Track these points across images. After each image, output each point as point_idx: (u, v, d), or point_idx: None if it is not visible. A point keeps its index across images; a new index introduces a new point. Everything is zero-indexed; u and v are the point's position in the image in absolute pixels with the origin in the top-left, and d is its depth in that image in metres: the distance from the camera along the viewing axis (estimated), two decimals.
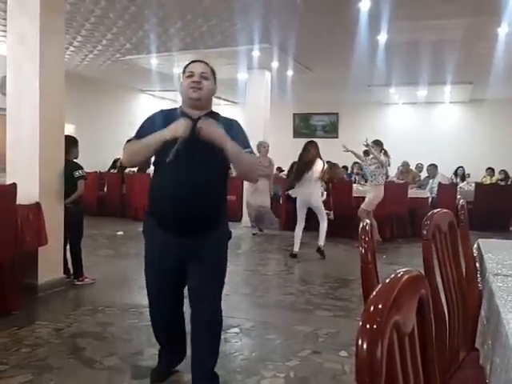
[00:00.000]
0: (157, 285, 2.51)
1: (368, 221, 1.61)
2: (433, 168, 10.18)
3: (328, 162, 6.67)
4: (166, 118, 2.39)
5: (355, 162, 10.99)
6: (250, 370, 2.98)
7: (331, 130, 14.90)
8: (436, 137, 13.29)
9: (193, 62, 2.48)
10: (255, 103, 9.49)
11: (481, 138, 12.83)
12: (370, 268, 1.49)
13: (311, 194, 6.33)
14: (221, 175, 2.45)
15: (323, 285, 5.16)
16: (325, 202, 6.61)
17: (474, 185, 10.06)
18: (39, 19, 4.43)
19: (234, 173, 2.56)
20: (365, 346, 0.70)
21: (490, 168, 11.72)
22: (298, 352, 3.27)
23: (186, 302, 2.59)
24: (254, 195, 8.04)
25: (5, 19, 5.34)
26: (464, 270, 2.05)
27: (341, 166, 10.10)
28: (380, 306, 0.75)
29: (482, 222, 7.69)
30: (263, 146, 7.92)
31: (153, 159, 2.47)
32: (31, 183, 4.42)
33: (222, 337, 2.67)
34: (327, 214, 6.81)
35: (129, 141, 2.44)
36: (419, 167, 11.47)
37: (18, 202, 4.07)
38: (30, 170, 4.46)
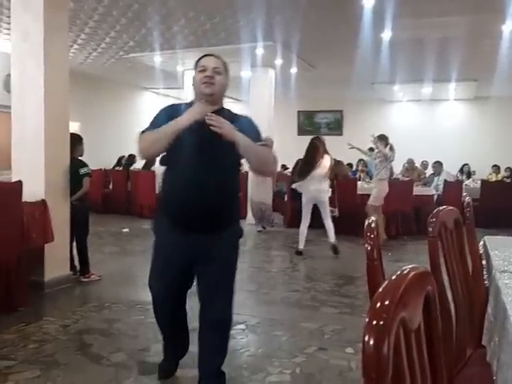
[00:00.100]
0: (162, 282, 2.47)
1: (373, 218, 1.61)
2: (438, 165, 10.14)
3: (333, 159, 6.66)
4: (178, 111, 2.36)
5: (360, 159, 10.97)
6: (256, 367, 2.99)
7: (335, 128, 14.88)
8: (441, 134, 13.25)
9: (205, 56, 2.44)
10: (259, 101, 9.47)
11: (486, 136, 12.78)
12: (376, 265, 1.49)
13: (320, 190, 6.33)
14: (233, 173, 2.43)
15: (329, 282, 5.16)
16: (329, 199, 6.59)
17: (479, 182, 10.02)
18: (43, 17, 4.44)
19: (248, 167, 2.49)
20: (371, 343, 0.70)
21: (495, 165, 11.68)
22: (304, 349, 3.27)
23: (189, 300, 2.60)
24: (256, 191, 8.03)
25: (9, 17, 5.36)
26: (470, 268, 2.05)
27: (345, 163, 10.08)
28: (386, 303, 0.75)
29: (488, 219, 7.67)
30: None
31: (160, 156, 2.44)
32: (37, 181, 4.44)
33: None
34: (332, 211, 6.80)
35: (143, 132, 2.38)
36: (424, 164, 11.43)
37: (23, 200, 4.09)
38: (35, 167, 4.48)
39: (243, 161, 2.43)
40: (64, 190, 4.69)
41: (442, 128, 13.45)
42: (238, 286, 2.43)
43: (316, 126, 15.18)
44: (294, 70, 9.90)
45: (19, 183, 4.04)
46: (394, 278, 0.82)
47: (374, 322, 0.72)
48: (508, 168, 11.48)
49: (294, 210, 8.30)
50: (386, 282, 0.81)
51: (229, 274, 2.45)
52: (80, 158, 4.98)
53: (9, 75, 4.70)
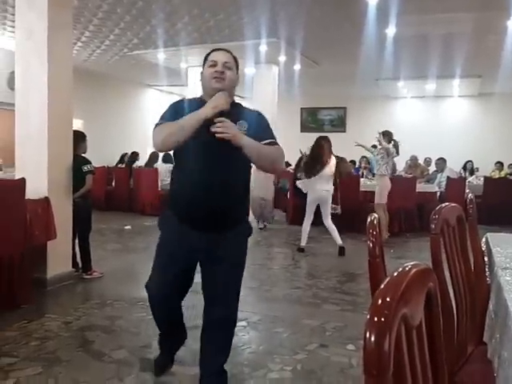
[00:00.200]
0: (164, 279, 2.41)
1: (376, 215, 1.61)
2: (441, 162, 10.12)
3: (336, 156, 6.66)
4: (189, 106, 2.32)
5: (363, 156, 10.96)
6: (257, 363, 2.99)
7: (339, 125, 14.85)
8: (444, 131, 13.22)
9: (215, 50, 2.38)
10: (262, 98, 9.46)
11: (489, 132, 12.74)
12: (378, 262, 1.49)
13: (326, 190, 6.36)
14: (242, 173, 2.39)
15: (330, 279, 5.16)
16: (332, 197, 6.59)
17: (482, 179, 10.00)
18: (47, 14, 4.43)
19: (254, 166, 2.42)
20: (373, 339, 0.70)
21: (498, 162, 11.64)
22: (305, 345, 3.28)
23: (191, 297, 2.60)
24: (257, 186, 8.03)
25: (13, 15, 5.37)
26: (472, 264, 2.04)
27: (348, 160, 10.07)
28: (388, 299, 0.75)
29: (491, 216, 7.66)
30: None
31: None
32: (40, 178, 4.45)
33: None
34: (334, 208, 6.79)
35: (157, 125, 2.29)
36: (427, 161, 11.40)
37: (27, 197, 4.10)
38: (38, 164, 4.49)
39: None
40: (67, 188, 4.70)
41: (446, 125, 13.41)
42: None
43: (319, 123, 15.16)
44: (297, 67, 9.88)
45: (23, 180, 4.05)
46: (395, 274, 0.82)
47: (376, 319, 0.72)
48: (511, 165, 11.44)
49: (296, 206, 8.29)
50: (387, 279, 0.81)
51: (236, 274, 2.41)
52: (83, 155, 4.98)
53: (13, 73, 4.71)
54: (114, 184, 10.61)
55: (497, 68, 8.82)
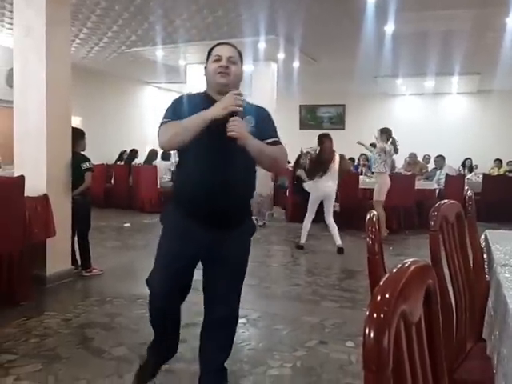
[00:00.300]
0: (167, 274, 2.34)
1: (375, 212, 1.61)
2: (440, 159, 10.12)
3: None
4: (193, 102, 2.29)
5: (362, 154, 10.95)
6: (257, 360, 3.00)
7: (338, 122, 14.84)
8: (443, 128, 13.22)
9: (219, 44, 2.34)
10: (261, 95, 9.43)
11: (488, 129, 12.75)
12: (377, 259, 1.50)
13: (332, 186, 6.36)
14: (250, 171, 2.34)
15: (330, 276, 5.17)
16: None
17: (481, 176, 10.00)
18: (45, 11, 4.43)
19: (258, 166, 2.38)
20: (372, 335, 0.70)
21: (497, 159, 11.66)
22: (304, 342, 3.28)
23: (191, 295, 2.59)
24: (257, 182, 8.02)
25: (11, 12, 5.35)
26: (471, 261, 2.05)
27: (347, 157, 10.07)
28: (387, 296, 0.75)
29: (490, 213, 7.67)
30: None
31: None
32: (39, 175, 4.45)
33: None
34: (334, 205, 6.80)
35: (162, 123, 2.24)
36: (426, 158, 11.40)
37: (25, 194, 4.10)
38: (37, 162, 4.49)
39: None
40: (66, 185, 4.70)
41: (445, 122, 13.41)
42: None
43: (318, 121, 15.15)
44: (296, 64, 9.87)
45: (21, 178, 4.04)
46: (394, 271, 0.82)
47: (375, 315, 0.72)
48: (510, 162, 11.43)
49: (295, 204, 8.30)
50: (386, 276, 0.81)
51: (239, 273, 2.39)
52: (82, 152, 4.98)
53: (11, 70, 4.70)
54: (113, 181, 10.61)
55: (496, 65, 8.82)
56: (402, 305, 0.77)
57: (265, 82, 9.60)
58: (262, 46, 8.37)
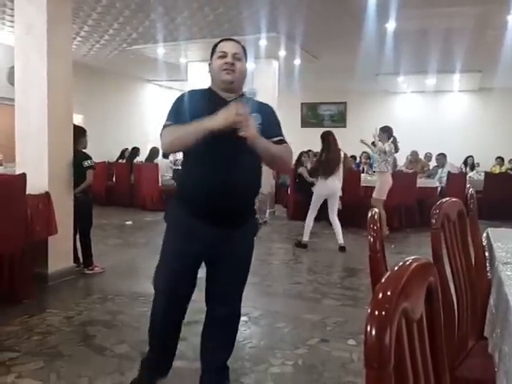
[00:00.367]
0: (172, 271, 2.32)
1: (376, 209, 1.61)
2: (442, 157, 10.11)
3: None
4: (197, 99, 2.27)
5: (363, 152, 10.95)
6: (258, 358, 3.00)
7: (339, 120, 14.82)
8: (445, 126, 13.19)
9: (223, 40, 2.32)
10: (263, 93, 9.36)
11: (490, 127, 12.72)
12: (379, 257, 1.50)
13: (337, 184, 6.36)
14: (255, 170, 2.32)
15: (331, 274, 5.17)
16: None
17: (483, 174, 9.99)
18: (46, 9, 4.42)
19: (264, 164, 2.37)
20: (373, 333, 0.70)
21: (499, 157, 11.63)
22: (306, 340, 3.29)
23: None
24: None
25: (12, 9, 5.35)
26: (473, 259, 2.05)
27: (349, 155, 10.05)
28: (389, 293, 0.75)
29: (492, 211, 7.66)
30: None
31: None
32: (40, 173, 4.45)
33: None
34: None
35: (165, 126, 2.23)
36: (428, 156, 11.39)
37: (27, 192, 4.10)
38: (39, 160, 4.49)
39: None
40: (67, 183, 4.70)
41: (446, 120, 13.38)
42: None
43: (319, 118, 15.13)
44: (297, 62, 9.85)
45: (23, 176, 4.04)
46: (396, 268, 0.82)
47: (377, 312, 0.72)
48: None
49: (296, 202, 8.30)
50: (388, 273, 0.81)
51: (242, 273, 2.38)
52: (83, 150, 4.98)
53: (12, 68, 4.70)
54: (114, 179, 10.61)
55: (497, 63, 8.79)
56: (404, 302, 0.77)
57: (266, 80, 9.58)
58: (263, 43, 8.35)
